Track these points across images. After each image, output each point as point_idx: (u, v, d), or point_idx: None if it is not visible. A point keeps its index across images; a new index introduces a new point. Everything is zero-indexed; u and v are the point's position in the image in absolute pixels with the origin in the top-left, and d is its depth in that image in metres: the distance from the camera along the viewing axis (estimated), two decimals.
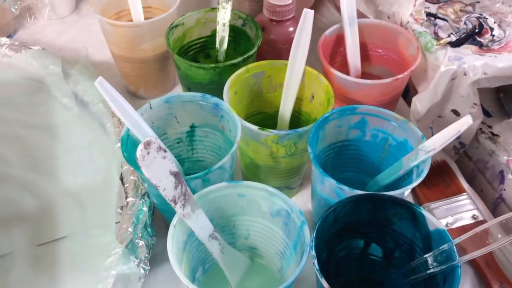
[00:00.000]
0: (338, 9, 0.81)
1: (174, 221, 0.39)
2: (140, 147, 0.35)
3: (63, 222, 0.50)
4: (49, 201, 0.51)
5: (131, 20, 0.63)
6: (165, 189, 0.37)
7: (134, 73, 0.64)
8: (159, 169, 0.36)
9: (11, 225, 0.49)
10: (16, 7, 0.69)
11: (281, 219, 0.42)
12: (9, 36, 0.74)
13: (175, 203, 0.38)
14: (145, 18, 0.63)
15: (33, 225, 0.50)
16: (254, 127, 0.46)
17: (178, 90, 0.69)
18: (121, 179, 0.51)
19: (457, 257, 0.35)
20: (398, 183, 0.47)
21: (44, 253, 0.48)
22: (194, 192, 0.44)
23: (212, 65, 0.52)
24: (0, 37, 0.66)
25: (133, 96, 0.67)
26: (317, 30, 0.79)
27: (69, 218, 0.50)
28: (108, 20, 0.58)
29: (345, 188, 0.41)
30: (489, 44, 0.51)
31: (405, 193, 0.42)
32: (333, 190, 0.42)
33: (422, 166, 0.44)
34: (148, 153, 0.35)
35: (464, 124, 0.41)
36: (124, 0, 0.62)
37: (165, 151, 0.36)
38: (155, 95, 0.67)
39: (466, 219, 0.51)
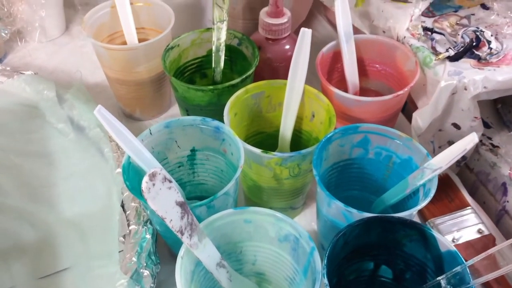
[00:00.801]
0: (330, 22, 0.81)
1: (181, 252, 0.38)
2: (145, 179, 0.34)
3: (64, 253, 0.49)
4: (48, 231, 0.50)
5: (125, 42, 0.63)
6: (171, 220, 0.36)
7: (129, 95, 0.63)
8: (165, 200, 0.35)
9: (10, 258, 0.48)
10: (6, 31, 0.68)
11: (289, 244, 0.41)
12: (0, 60, 0.73)
13: (182, 233, 0.37)
14: (139, 39, 0.63)
15: (33, 257, 0.48)
16: (257, 150, 0.45)
17: (174, 110, 0.68)
18: (122, 206, 0.50)
19: (471, 280, 0.35)
20: (404, 202, 0.47)
21: (47, 287, 0.46)
22: (198, 219, 0.43)
23: (211, 87, 0.52)
24: None
25: (129, 118, 0.67)
26: (311, 44, 0.80)
27: (71, 249, 0.49)
28: (103, 44, 0.57)
29: (354, 211, 0.40)
30: (488, 57, 0.51)
31: (414, 213, 0.42)
32: (340, 212, 0.42)
33: (428, 185, 0.43)
34: (154, 184, 0.34)
35: (470, 142, 0.41)
36: (117, 22, 0.62)
37: (170, 181, 0.35)
38: (151, 116, 0.67)
39: (472, 234, 0.51)
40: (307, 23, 0.81)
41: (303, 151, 0.45)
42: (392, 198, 0.47)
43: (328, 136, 0.46)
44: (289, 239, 0.41)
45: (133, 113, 0.66)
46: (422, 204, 0.41)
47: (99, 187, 0.54)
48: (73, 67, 0.74)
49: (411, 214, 0.41)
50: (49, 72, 0.73)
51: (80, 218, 0.51)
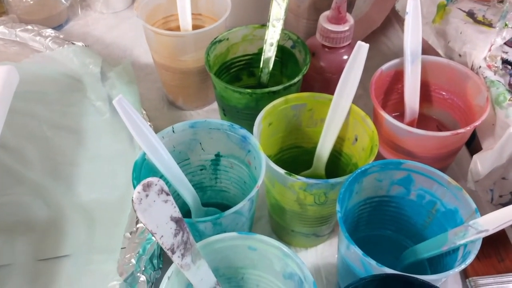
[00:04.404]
0: None
1: (170, 271, 0.35)
2: (138, 188, 0.31)
3: (69, 238, 0.47)
4: (60, 212, 0.49)
5: (179, 26, 0.60)
6: (162, 236, 0.32)
7: (174, 82, 0.60)
8: (158, 214, 0.32)
9: (17, 232, 0.47)
10: None
11: (293, 283, 0.37)
12: (60, 26, 0.73)
13: (173, 252, 0.33)
14: (194, 26, 0.60)
15: (39, 237, 0.47)
16: (281, 171, 0.41)
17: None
18: None
19: None
20: (441, 256, 0.41)
21: (43, 270, 0.45)
22: (203, 234, 0.40)
23: (249, 90, 0.48)
24: (47, 29, 0.65)
25: (172, 105, 0.64)
26: (380, 54, 0.73)
27: (76, 236, 0.47)
28: (151, 27, 0.54)
29: (373, 262, 0.35)
30: None
31: (443, 279, 0.35)
32: (358, 259, 0.37)
33: (470, 246, 0.37)
34: (147, 195, 0.31)
35: None
36: (174, 4, 0.59)
37: (167, 194, 0.32)
38: (194, 107, 0.64)
39: None
40: (381, 30, 0.75)
41: (332, 180, 0.40)
42: (426, 251, 0.41)
43: (363, 168, 0.40)
44: (294, 279, 0.36)
45: (176, 101, 0.63)
46: (456, 269, 0.35)
47: (121, 175, 0.51)
48: (129, 43, 0.72)
49: (439, 279, 0.35)
50: (105, 45, 0.72)
51: (94, 205, 0.49)
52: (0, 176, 0.51)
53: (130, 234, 0.45)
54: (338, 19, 0.51)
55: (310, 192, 0.41)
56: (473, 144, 0.58)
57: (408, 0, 0.48)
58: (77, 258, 0.45)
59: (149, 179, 0.31)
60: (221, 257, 0.38)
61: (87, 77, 0.60)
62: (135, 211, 0.31)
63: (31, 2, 0.66)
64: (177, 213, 0.33)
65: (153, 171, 0.43)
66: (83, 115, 0.58)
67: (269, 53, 0.53)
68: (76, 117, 0.57)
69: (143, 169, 0.42)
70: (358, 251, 0.35)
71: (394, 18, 0.77)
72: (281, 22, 0.52)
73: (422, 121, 0.53)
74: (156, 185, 0.31)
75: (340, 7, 0.50)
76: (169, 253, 0.33)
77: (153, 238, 0.44)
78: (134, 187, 0.40)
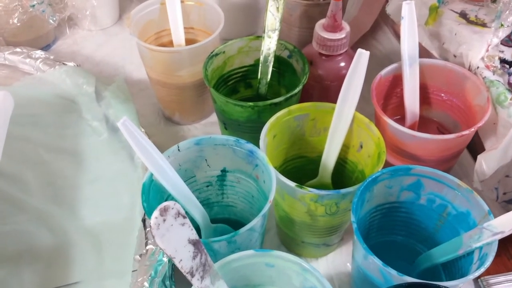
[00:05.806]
0: (397, 35, 0.74)
1: None
2: (155, 214, 0.30)
3: (77, 265, 0.46)
4: (66, 238, 0.47)
5: (172, 41, 0.59)
6: (181, 260, 0.32)
7: (169, 98, 0.60)
8: (176, 238, 0.31)
9: (23, 262, 0.46)
10: (54, 18, 0.66)
11: None
12: (48, 46, 0.71)
13: (192, 275, 0.33)
14: (186, 39, 0.59)
15: (46, 265, 0.46)
16: (291, 184, 0.40)
17: (214, 117, 0.64)
18: (143, 221, 0.47)
19: None
20: (456, 260, 0.41)
21: None
22: (218, 254, 0.39)
23: (251, 103, 0.47)
24: (36, 50, 0.63)
25: (168, 121, 0.63)
26: (373, 58, 0.73)
27: (84, 262, 0.46)
28: (146, 44, 0.54)
29: (393, 272, 0.35)
30: None
31: (460, 285, 0.35)
32: (377, 269, 0.36)
33: (486, 249, 0.37)
34: (164, 220, 0.30)
35: None
36: (166, 19, 0.58)
37: (184, 217, 0.31)
38: (191, 121, 0.63)
39: None
40: (371, 34, 0.75)
41: (343, 190, 0.40)
42: (442, 256, 0.41)
43: (374, 176, 0.40)
44: None
45: (172, 116, 0.62)
46: (475, 273, 0.35)
47: (124, 196, 0.51)
48: (120, 59, 0.72)
49: (457, 285, 0.35)
50: (95, 63, 0.71)
51: (99, 228, 0.48)
52: (0, 205, 0.49)
53: (140, 256, 0.45)
54: (334, 27, 0.51)
55: (321, 203, 0.41)
56: (471, 144, 0.58)
57: (402, 4, 0.48)
58: (88, 285, 0.44)
59: (166, 203, 0.30)
60: (238, 276, 0.37)
61: (81, 97, 0.59)
62: (153, 237, 0.30)
63: (18, 24, 0.65)
64: (194, 235, 0.32)
65: (161, 191, 0.42)
66: (80, 137, 0.56)
67: (266, 64, 0.53)
68: (73, 139, 0.56)
69: (151, 190, 0.41)
70: (377, 261, 0.35)
71: (383, 21, 0.77)
72: (277, 32, 0.52)
73: (423, 123, 0.53)
74: (172, 209, 0.31)
75: (336, 15, 0.50)
76: (188, 276, 0.33)
77: (164, 259, 0.44)
78: (145, 210, 0.39)
